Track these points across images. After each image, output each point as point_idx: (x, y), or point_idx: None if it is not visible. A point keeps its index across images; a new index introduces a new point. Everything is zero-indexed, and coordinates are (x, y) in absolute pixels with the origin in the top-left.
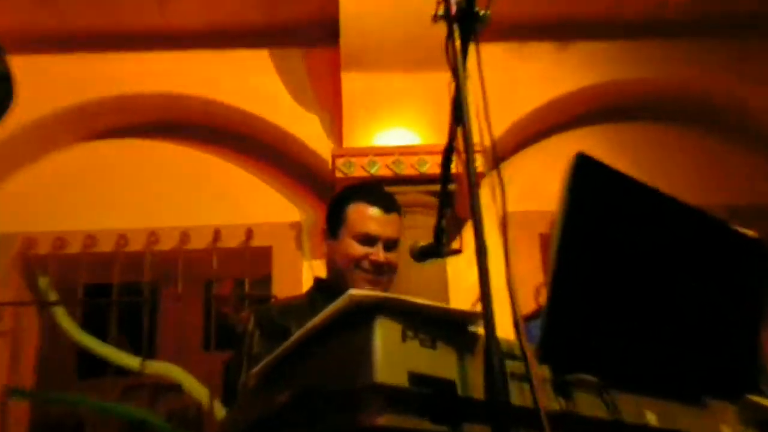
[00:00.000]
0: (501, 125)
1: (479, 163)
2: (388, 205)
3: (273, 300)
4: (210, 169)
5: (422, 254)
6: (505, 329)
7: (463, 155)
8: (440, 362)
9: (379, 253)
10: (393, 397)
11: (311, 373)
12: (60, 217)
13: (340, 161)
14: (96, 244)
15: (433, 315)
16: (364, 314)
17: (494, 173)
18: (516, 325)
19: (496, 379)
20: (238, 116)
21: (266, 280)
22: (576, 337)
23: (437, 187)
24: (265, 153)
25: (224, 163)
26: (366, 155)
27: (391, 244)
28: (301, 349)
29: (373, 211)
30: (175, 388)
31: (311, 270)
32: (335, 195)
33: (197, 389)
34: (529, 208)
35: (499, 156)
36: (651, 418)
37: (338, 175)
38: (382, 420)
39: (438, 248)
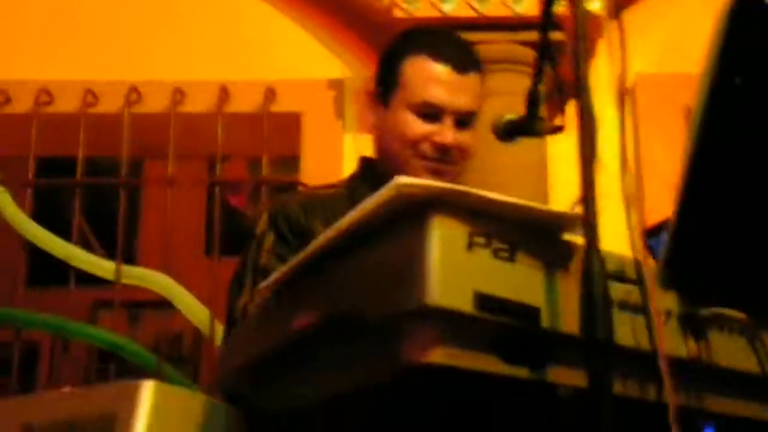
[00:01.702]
0: None
1: (597, 2)
2: (464, 60)
3: (299, 189)
4: (215, 1)
5: (510, 131)
6: (618, 240)
7: None
8: (520, 281)
9: (445, 133)
10: (452, 325)
11: (342, 290)
12: (1, 60)
13: None
14: (53, 100)
15: (513, 216)
16: (415, 211)
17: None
18: (633, 232)
19: (596, 307)
20: None
21: (292, 160)
22: (717, 253)
23: (537, 36)
24: None
25: None
26: None
27: (464, 119)
28: (328, 258)
29: (440, 69)
30: (164, 305)
31: (356, 147)
32: (388, 45)
33: (193, 308)
34: (671, 69)
35: None
36: None
37: (397, 14)
38: (436, 356)
39: (532, 123)
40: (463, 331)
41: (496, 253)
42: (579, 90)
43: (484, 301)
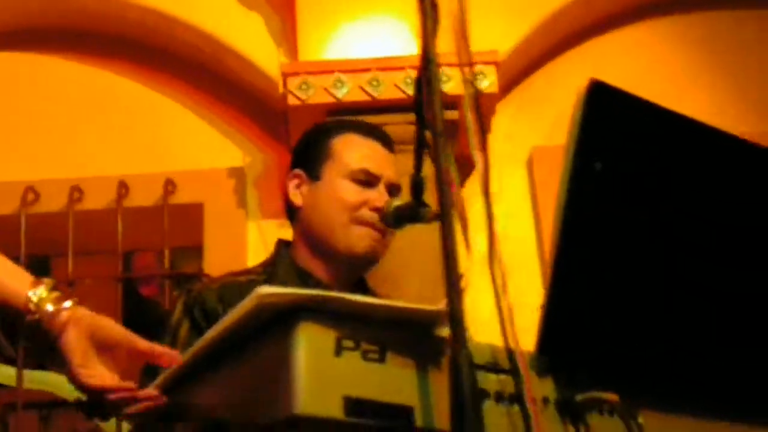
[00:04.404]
0: (524, 24)
1: (490, 80)
2: (387, 139)
3: (208, 278)
4: (111, 95)
5: (397, 218)
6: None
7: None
8: (392, 381)
9: (383, 198)
10: None
11: (220, 399)
12: None
13: (293, 82)
14: None
15: (380, 317)
16: (282, 319)
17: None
18: (503, 320)
19: (464, 403)
20: (149, 19)
21: (195, 251)
22: (588, 335)
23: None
24: (190, 72)
25: (131, 86)
26: (330, 72)
27: (393, 191)
28: (206, 366)
29: (371, 143)
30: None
31: (260, 234)
32: (310, 128)
33: None
34: (563, 141)
35: (523, 69)
36: None
37: (291, 102)
38: None
39: (417, 210)
40: None
41: (365, 356)
42: (440, 184)
43: (354, 405)
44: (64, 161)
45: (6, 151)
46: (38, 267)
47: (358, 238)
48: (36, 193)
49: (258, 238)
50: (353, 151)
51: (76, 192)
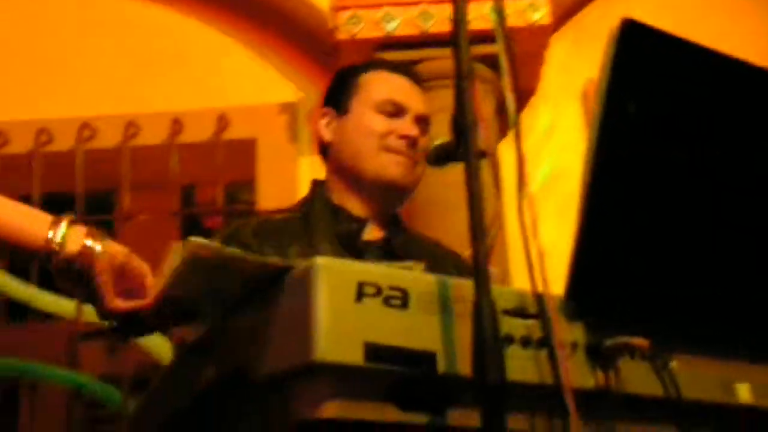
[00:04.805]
0: None
1: (543, 12)
2: (415, 75)
3: (255, 213)
4: (166, 32)
5: (439, 156)
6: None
7: None
8: (414, 327)
9: (410, 126)
10: (344, 379)
11: (247, 344)
12: None
13: (342, 16)
14: (7, 141)
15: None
16: (303, 266)
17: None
18: (533, 263)
19: (486, 349)
20: None
21: (248, 186)
22: (619, 279)
23: (488, 49)
24: (242, 7)
25: (185, 22)
26: (379, 6)
27: (423, 123)
28: (228, 316)
29: (398, 77)
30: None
31: (312, 169)
32: (341, 68)
33: (156, 343)
34: None
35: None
36: (742, 393)
37: (340, 36)
38: (329, 410)
39: (457, 148)
40: (356, 383)
41: (387, 302)
42: (465, 127)
43: (375, 351)
44: (119, 97)
45: (61, 88)
46: (100, 202)
47: (387, 165)
48: (92, 129)
49: (310, 173)
50: (380, 84)
51: (131, 128)
